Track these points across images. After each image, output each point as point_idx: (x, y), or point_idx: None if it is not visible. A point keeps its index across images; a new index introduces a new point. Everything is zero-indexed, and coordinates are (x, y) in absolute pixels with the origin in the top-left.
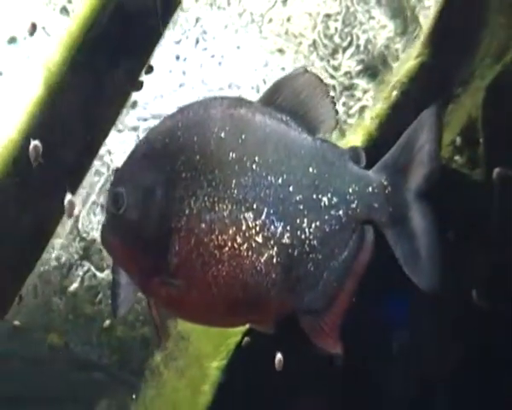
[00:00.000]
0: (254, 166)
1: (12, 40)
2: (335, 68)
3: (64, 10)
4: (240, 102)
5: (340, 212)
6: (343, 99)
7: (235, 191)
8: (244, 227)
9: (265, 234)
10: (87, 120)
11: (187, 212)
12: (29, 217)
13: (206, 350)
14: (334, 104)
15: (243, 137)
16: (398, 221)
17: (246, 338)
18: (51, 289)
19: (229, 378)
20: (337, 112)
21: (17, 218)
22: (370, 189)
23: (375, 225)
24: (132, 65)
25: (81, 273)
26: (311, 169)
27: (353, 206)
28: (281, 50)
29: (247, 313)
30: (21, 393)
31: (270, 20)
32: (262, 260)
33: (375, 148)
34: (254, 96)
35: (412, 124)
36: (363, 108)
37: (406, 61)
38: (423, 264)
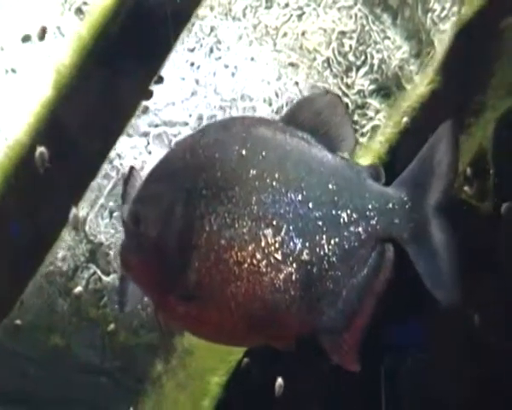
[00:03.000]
0: (274, 183)
1: (26, 38)
2: (348, 86)
3: (79, 11)
4: (260, 121)
5: (360, 228)
6: (355, 117)
7: (255, 208)
8: (263, 244)
9: (285, 250)
10: (95, 125)
11: (207, 228)
12: (37, 219)
13: (209, 365)
14: (353, 125)
15: (263, 154)
16: (419, 237)
17: (245, 359)
18: (56, 291)
19: (228, 395)
20: (355, 132)
21: (25, 220)
22: (390, 205)
23: (395, 241)
24: (142, 73)
25: (86, 276)
26: (330, 186)
27: (373, 222)
28: (294, 65)
29: (266, 330)
30: (24, 393)
31: (285, 34)
32: (281, 277)
33: (385, 170)
34: (266, 109)
35: (430, 139)
36: (375, 128)
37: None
38: (444, 279)
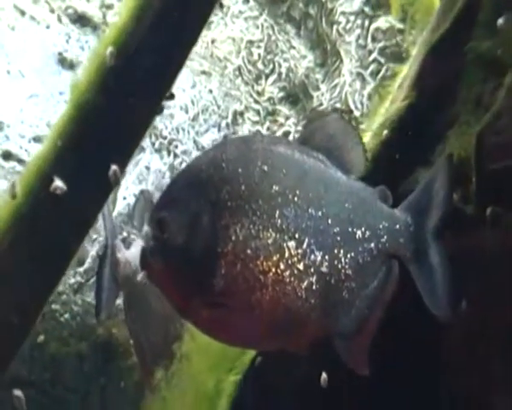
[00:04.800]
0: (296, 199)
1: None
2: (259, 94)
3: None
4: (279, 140)
5: (372, 245)
6: (267, 124)
7: (279, 221)
8: (287, 255)
9: (306, 262)
10: (113, 141)
11: (233, 238)
12: (62, 231)
13: (206, 367)
14: (365, 149)
15: (285, 171)
16: (420, 257)
17: (258, 357)
18: None
19: (244, 393)
20: (367, 159)
21: (50, 232)
22: (398, 226)
23: (399, 259)
24: (157, 90)
25: None
26: (347, 204)
27: (383, 240)
28: (207, 73)
29: (286, 335)
30: None
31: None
32: (303, 287)
33: (368, 178)
34: (183, 117)
35: (430, 171)
36: (286, 134)
37: (384, 102)
38: (439, 296)
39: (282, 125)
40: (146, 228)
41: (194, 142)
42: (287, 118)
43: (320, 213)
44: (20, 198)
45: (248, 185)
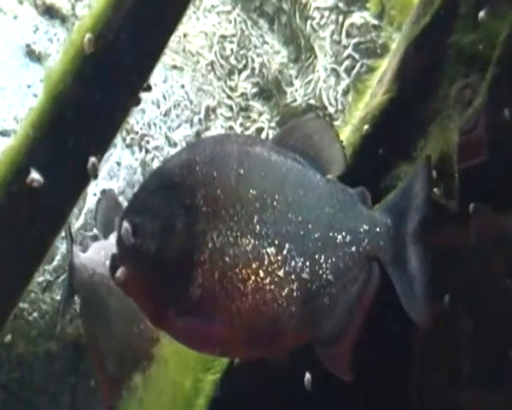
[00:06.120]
0: (275, 204)
1: None
2: (232, 89)
3: None
4: (254, 140)
5: (353, 249)
6: (240, 120)
7: (258, 227)
8: (267, 262)
9: (287, 269)
10: (88, 132)
11: (210, 245)
12: (33, 225)
13: (184, 367)
14: (343, 148)
15: (262, 174)
16: (399, 260)
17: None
18: None
19: (222, 392)
20: (346, 156)
21: (24, 226)
22: (378, 229)
23: (379, 262)
24: (134, 81)
25: None
26: (327, 208)
27: (364, 244)
28: (179, 68)
29: (266, 344)
30: None
31: None
32: (283, 294)
33: (349, 172)
34: (155, 112)
35: (409, 174)
36: (259, 130)
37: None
38: (417, 300)
39: (255, 121)
40: (116, 233)
41: (166, 137)
42: (260, 114)
43: (300, 218)
44: None
45: (224, 190)
